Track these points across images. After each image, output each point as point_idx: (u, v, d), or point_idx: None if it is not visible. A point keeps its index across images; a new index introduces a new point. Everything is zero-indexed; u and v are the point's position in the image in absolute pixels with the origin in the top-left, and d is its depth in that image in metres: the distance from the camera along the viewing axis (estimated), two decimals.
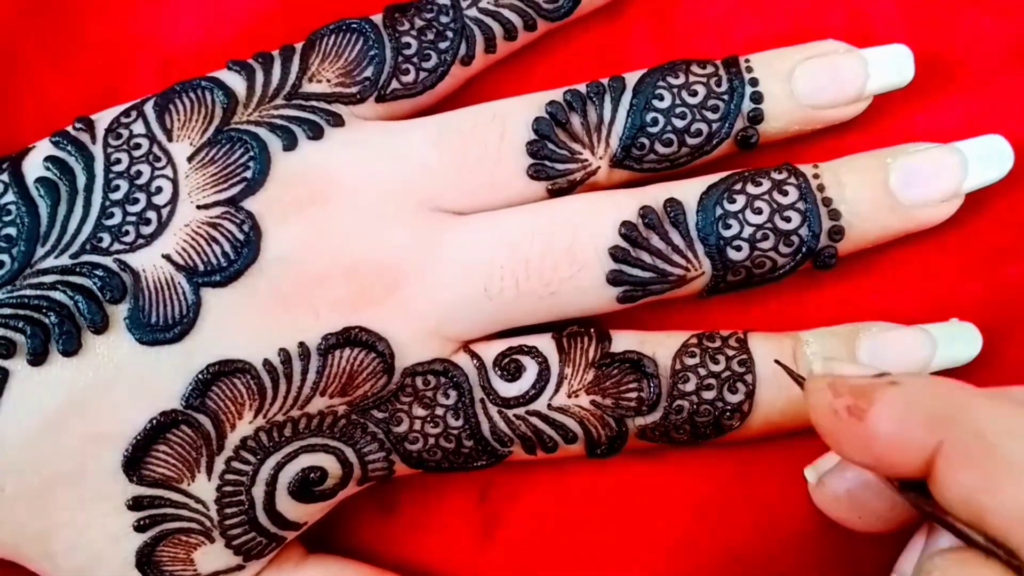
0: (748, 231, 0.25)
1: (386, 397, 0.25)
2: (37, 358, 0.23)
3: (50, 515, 0.24)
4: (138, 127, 0.25)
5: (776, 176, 0.25)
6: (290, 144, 0.25)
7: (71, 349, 0.23)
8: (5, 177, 0.25)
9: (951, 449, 0.18)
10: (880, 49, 0.26)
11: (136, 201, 0.24)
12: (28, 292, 0.24)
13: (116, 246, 0.24)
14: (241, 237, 0.24)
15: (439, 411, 0.25)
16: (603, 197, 0.26)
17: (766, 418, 0.25)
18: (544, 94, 0.26)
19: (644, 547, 0.27)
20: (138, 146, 0.25)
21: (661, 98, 0.26)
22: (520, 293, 0.25)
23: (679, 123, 0.26)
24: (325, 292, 0.24)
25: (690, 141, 0.26)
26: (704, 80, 0.26)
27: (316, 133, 0.25)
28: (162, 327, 0.24)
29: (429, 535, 0.28)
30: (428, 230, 0.25)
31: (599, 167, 0.26)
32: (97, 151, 0.25)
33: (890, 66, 0.26)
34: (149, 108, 0.26)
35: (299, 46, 0.27)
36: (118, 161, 0.25)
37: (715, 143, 0.26)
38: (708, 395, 0.25)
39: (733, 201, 0.25)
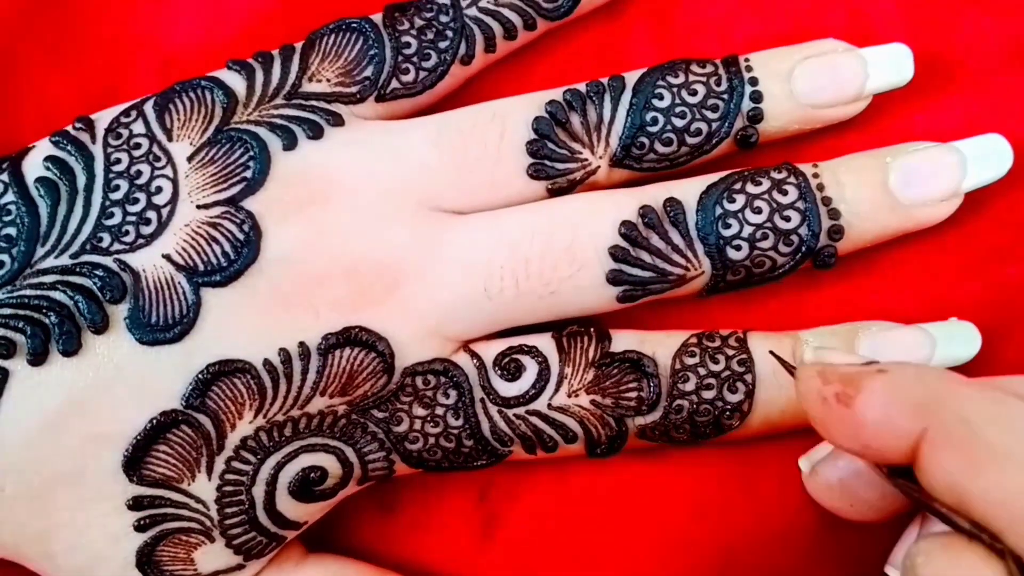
0: (748, 230, 0.25)
1: (386, 397, 0.25)
2: (37, 358, 0.23)
3: (50, 515, 0.24)
4: (138, 127, 0.25)
5: (776, 175, 0.25)
6: (290, 144, 0.25)
7: (71, 349, 0.23)
8: (5, 177, 0.25)
9: (935, 435, 0.18)
10: (880, 48, 0.26)
11: (136, 201, 0.24)
12: (28, 292, 0.24)
13: (116, 246, 0.24)
14: (241, 237, 0.24)
15: (439, 411, 0.25)
16: (603, 196, 0.26)
17: (766, 417, 0.25)
18: (544, 93, 0.26)
19: (644, 546, 0.27)
20: (138, 146, 0.25)
21: (661, 97, 0.26)
22: (520, 293, 0.25)
23: (679, 122, 0.26)
24: (325, 292, 0.24)
25: (690, 140, 0.26)
26: (704, 79, 0.26)
27: (316, 133, 0.25)
28: (162, 327, 0.24)
29: (429, 535, 0.28)
30: (428, 230, 0.25)
31: (599, 166, 0.26)
32: (97, 151, 0.25)
33: (890, 65, 0.26)
34: (149, 108, 0.26)
35: (299, 46, 0.27)
36: (118, 161, 0.25)
37: (715, 142, 0.26)
38: (708, 394, 0.25)
39: (733, 200, 0.25)
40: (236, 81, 0.26)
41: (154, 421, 0.24)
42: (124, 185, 0.25)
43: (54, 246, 0.24)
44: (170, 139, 0.25)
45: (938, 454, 0.18)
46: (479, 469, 0.26)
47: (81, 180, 0.25)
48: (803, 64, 0.26)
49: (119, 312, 0.24)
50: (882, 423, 0.19)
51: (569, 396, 0.25)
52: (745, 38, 0.29)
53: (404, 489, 0.28)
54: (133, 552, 0.24)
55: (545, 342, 0.25)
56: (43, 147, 0.25)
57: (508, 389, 0.25)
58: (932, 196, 0.26)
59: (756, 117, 0.26)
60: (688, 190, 0.25)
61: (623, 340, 0.26)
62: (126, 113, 0.26)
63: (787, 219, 0.25)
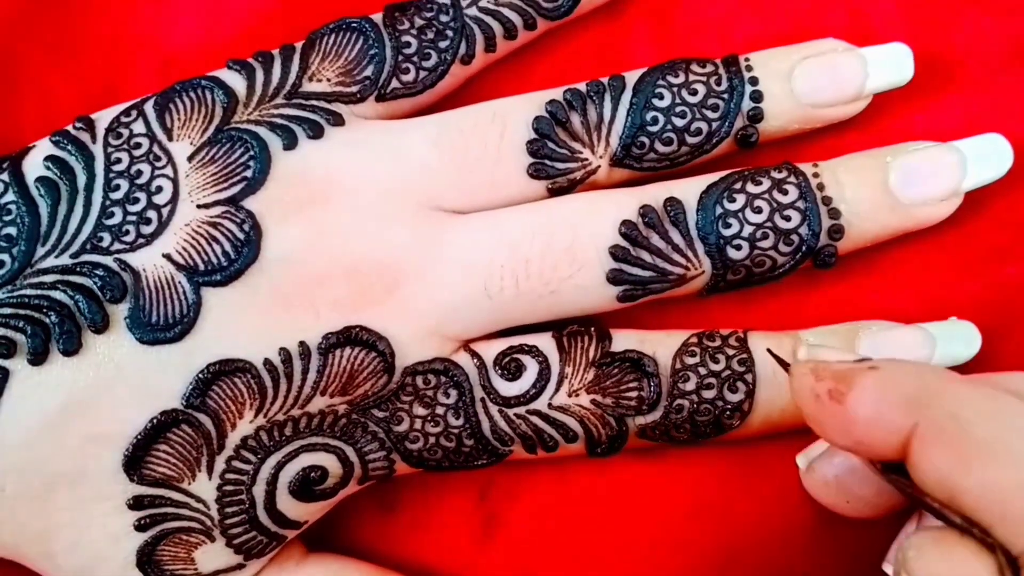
0: (748, 230, 0.25)
1: (386, 396, 0.25)
2: (37, 358, 0.23)
3: (50, 515, 0.24)
4: (138, 126, 0.25)
5: (776, 175, 0.25)
6: (290, 143, 0.25)
7: (71, 349, 0.23)
8: (5, 176, 0.25)
9: (925, 431, 0.19)
10: (879, 48, 0.26)
11: (136, 200, 0.24)
12: (28, 292, 0.24)
13: (116, 245, 0.24)
14: (241, 236, 0.24)
15: (439, 410, 0.25)
16: (603, 196, 0.26)
17: (766, 417, 0.25)
18: (544, 93, 0.26)
19: (644, 546, 0.27)
20: (138, 145, 0.25)
21: (661, 97, 0.26)
22: (520, 292, 0.25)
23: (679, 122, 0.26)
24: (325, 291, 0.24)
25: (690, 140, 0.26)
26: (704, 79, 0.26)
27: (316, 132, 0.25)
28: (163, 326, 0.24)
29: (429, 534, 0.28)
30: (428, 229, 0.25)
31: (599, 166, 0.26)
32: (97, 150, 0.25)
33: (890, 65, 0.26)
34: (149, 107, 0.26)
35: (299, 45, 0.27)
36: (118, 160, 0.25)
37: (715, 142, 0.26)
38: (708, 394, 0.25)
39: (733, 200, 0.25)
40: (236, 81, 0.26)
41: (154, 420, 0.24)
42: (124, 185, 0.25)
43: (54, 246, 0.24)
44: (170, 139, 0.25)
45: (928, 449, 0.18)
46: (479, 469, 0.26)
47: (81, 180, 0.25)
48: (803, 64, 0.26)
49: (119, 312, 0.24)
50: (873, 419, 0.19)
51: (570, 396, 0.25)
52: (745, 38, 0.29)
53: (404, 489, 0.28)
54: (133, 552, 0.24)
55: (545, 342, 0.25)
56: (43, 147, 0.25)
57: (508, 388, 0.25)
58: (932, 196, 0.26)
59: (756, 117, 0.26)
60: (688, 190, 0.25)
61: (623, 340, 0.26)
62: (126, 113, 0.26)
63: (787, 219, 0.25)
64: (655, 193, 0.25)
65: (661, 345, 0.25)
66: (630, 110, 0.26)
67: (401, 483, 0.27)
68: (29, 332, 0.23)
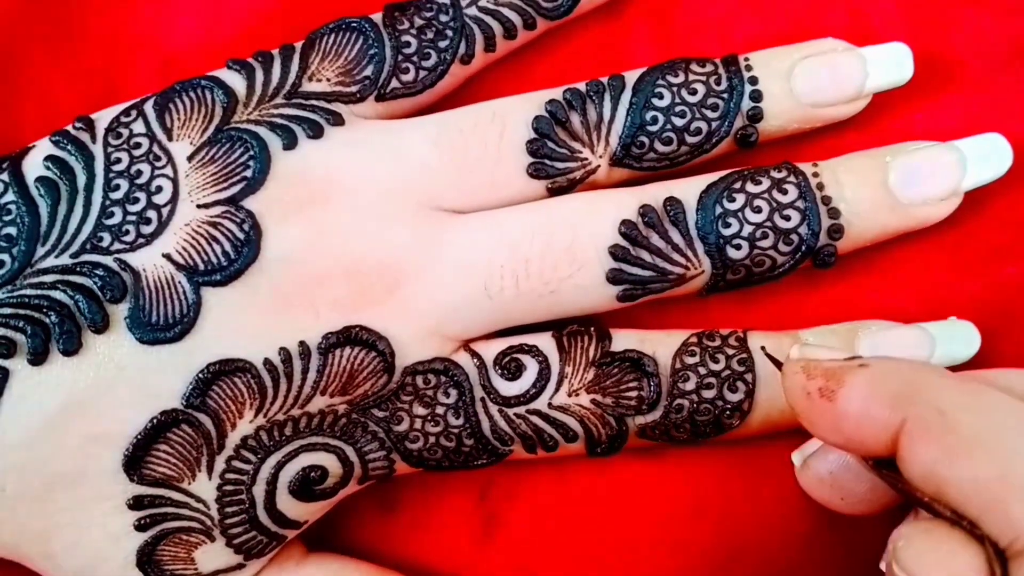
0: (748, 229, 0.25)
1: (386, 396, 0.25)
2: (37, 358, 0.23)
3: (51, 515, 0.24)
4: (138, 126, 0.25)
5: (775, 175, 0.25)
6: (290, 143, 0.25)
7: (71, 349, 0.23)
8: (5, 176, 0.25)
9: (913, 426, 0.19)
10: (879, 48, 0.26)
11: (136, 200, 0.24)
12: (28, 292, 0.24)
13: (116, 245, 0.24)
14: (241, 236, 0.24)
15: (439, 410, 0.25)
16: (603, 196, 0.26)
17: (766, 417, 0.25)
18: (544, 93, 0.26)
19: (644, 546, 0.27)
20: (138, 145, 0.25)
21: (661, 97, 0.26)
22: (520, 292, 0.25)
23: (679, 122, 0.26)
24: (325, 291, 0.24)
25: (690, 140, 0.26)
26: (703, 79, 0.26)
27: (316, 132, 0.25)
28: (162, 326, 0.24)
29: (429, 534, 0.28)
30: (428, 229, 0.25)
31: (599, 166, 0.26)
32: (97, 150, 0.25)
33: (889, 64, 0.26)
34: (149, 107, 0.26)
35: (299, 45, 0.27)
36: (118, 160, 0.25)
37: (715, 142, 0.26)
38: (708, 394, 0.25)
39: (733, 200, 0.25)
40: (236, 81, 0.26)
41: (154, 420, 0.24)
42: (124, 184, 0.25)
43: (54, 246, 0.24)
44: (170, 138, 0.25)
45: (916, 444, 0.19)
46: (479, 468, 0.26)
47: (81, 180, 0.25)
48: (803, 63, 0.26)
49: (119, 311, 0.24)
50: (862, 416, 0.20)
51: (569, 395, 0.25)
52: (745, 38, 0.29)
53: (404, 488, 0.28)
54: (133, 551, 0.24)
55: (545, 341, 0.25)
56: (43, 147, 0.25)
57: (508, 388, 0.25)
58: (932, 195, 0.26)
59: (756, 116, 0.26)
60: (688, 189, 0.25)
61: (623, 339, 0.26)
62: (126, 113, 0.26)
63: (787, 218, 0.25)
64: (655, 193, 0.25)
65: (661, 345, 0.25)
66: (630, 110, 0.26)
67: (401, 483, 0.27)
68: (29, 332, 0.23)
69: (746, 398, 0.25)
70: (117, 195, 0.25)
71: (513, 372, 0.25)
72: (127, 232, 0.24)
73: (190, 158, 0.25)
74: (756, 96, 0.26)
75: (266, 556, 0.25)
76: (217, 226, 0.24)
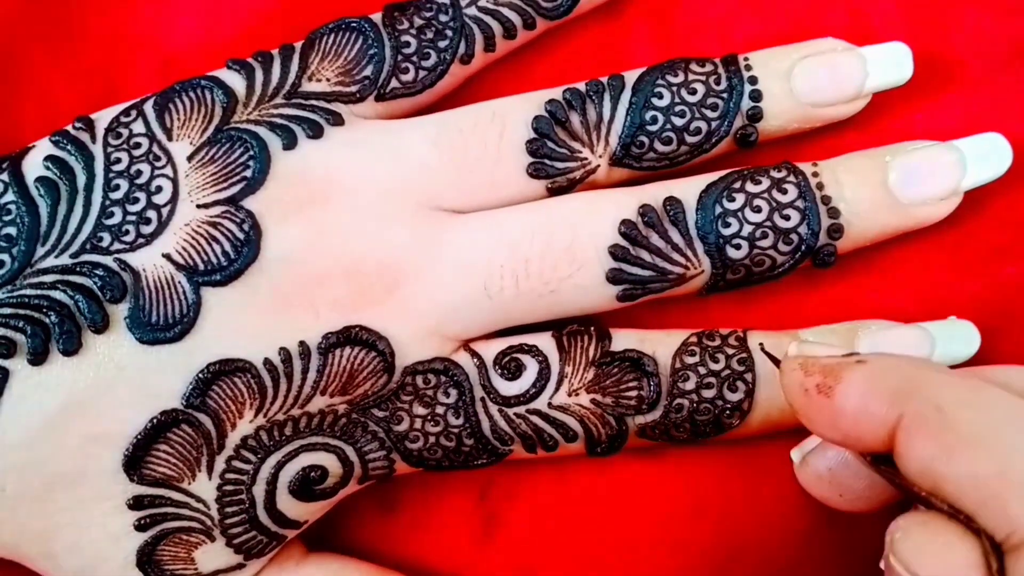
0: (747, 229, 0.25)
1: (386, 396, 0.25)
2: (37, 358, 0.23)
3: (51, 515, 0.24)
4: (138, 126, 0.25)
5: (775, 174, 0.25)
6: (290, 143, 0.25)
7: (71, 349, 0.23)
8: (5, 176, 0.25)
9: (910, 421, 0.19)
10: (879, 47, 0.26)
11: (136, 200, 0.25)
12: (28, 292, 0.24)
13: (116, 245, 0.24)
14: (241, 236, 0.24)
15: (439, 410, 0.25)
16: (602, 196, 0.26)
17: (766, 416, 0.25)
18: (543, 93, 0.26)
19: (644, 545, 0.27)
20: (138, 145, 0.25)
21: (660, 96, 0.26)
22: (520, 292, 0.25)
23: (678, 121, 0.26)
24: (325, 291, 0.24)
25: (689, 139, 0.26)
26: (703, 78, 0.26)
27: (316, 132, 0.25)
28: (162, 326, 0.24)
29: (429, 534, 0.28)
30: (428, 229, 0.25)
31: (598, 165, 0.26)
32: (97, 150, 0.25)
33: (889, 64, 0.26)
34: (149, 107, 0.26)
35: (299, 45, 0.27)
36: (118, 160, 0.25)
37: (714, 141, 0.26)
38: (708, 393, 0.25)
39: (732, 199, 0.25)
40: (236, 81, 0.26)
41: (154, 420, 0.24)
42: (124, 185, 0.25)
43: (54, 246, 0.24)
44: (170, 138, 0.25)
45: (913, 440, 0.19)
46: (479, 468, 0.26)
47: (81, 180, 0.25)
48: (802, 63, 0.26)
49: (119, 312, 0.24)
50: (860, 411, 0.20)
51: (569, 395, 0.25)
52: (745, 38, 0.29)
53: (404, 488, 0.28)
54: (134, 551, 0.24)
55: (545, 341, 0.25)
56: (43, 147, 0.25)
57: (508, 388, 0.25)
58: (931, 195, 0.26)
59: (755, 116, 0.26)
60: (688, 189, 0.25)
61: (623, 339, 0.26)
62: (126, 113, 0.26)
63: (787, 218, 0.25)
64: (654, 192, 0.25)
65: (661, 344, 0.25)
66: (629, 109, 0.26)
67: (401, 483, 0.27)
68: (29, 332, 0.23)
69: (746, 398, 0.25)
70: (117, 195, 0.25)
71: (513, 372, 0.25)
72: (127, 232, 0.24)
73: (190, 158, 0.25)
74: (756, 96, 0.26)
75: (266, 556, 0.25)
76: (217, 226, 0.24)
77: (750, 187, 0.25)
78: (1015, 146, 0.26)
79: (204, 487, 0.24)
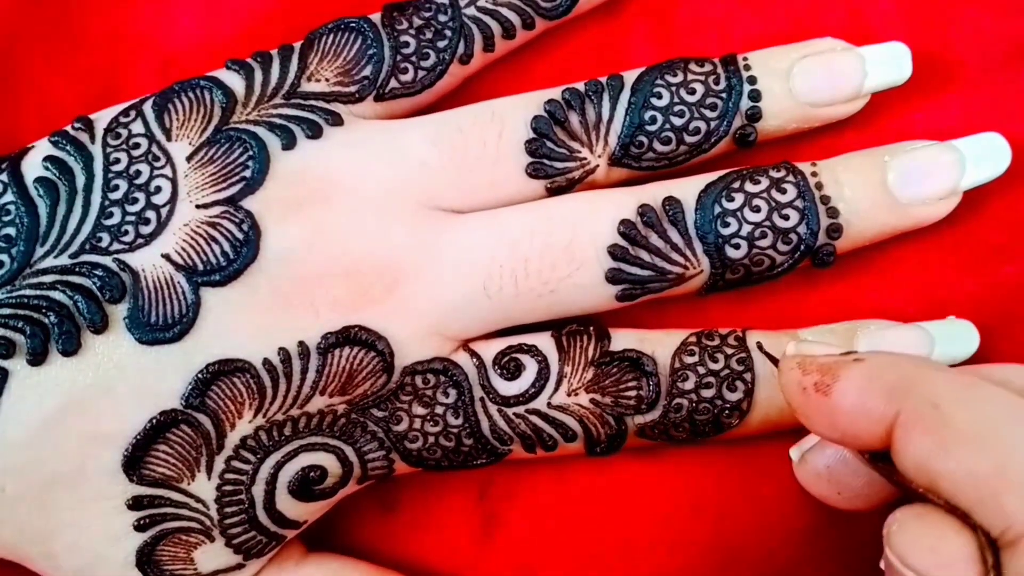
0: (747, 229, 0.25)
1: (386, 396, 0.25)
2: (37, 358, 0.23)
3: (50, 515, 0.24)
4: (137, 127, 0.25)
5: (774, 174, 0.25)
6: (289, 143, 0.25)
7: (71, 349, 0.23)
8: (4, 177, 0.25)
9: (907, 418, 0.19)
10: (878, 47, 0.26)
11: (135, 201, 0.25)
12: (27, 292, 0.24)
13: (115, 246, 0.24)
14: (240, 236, 0.24)
15: (439, 410, 0.25)
16: (602, 195, 0.26)
17: (765, 416, 0.25)
18: (543, 93, 0.26)
19: (643, 545, 0.27)
20: (137, 146, 0.25)
21: (659, 96, 0.26)
22: (519, 292, 0.25)
23: (677, 121, 0.26)
24: (325, 291, 0.24)
25: (688, 139, 0.26)
26: (702, 78, 0.26)
27: (315, 132, 0.25)
28: (162, 327, 0.24)
29: (428, 533, 0.28)
30: (427, 229, 0.25)
31: (598, 165, 0.26)
32: (96, 151, 0.25)
33: (888, 64, 0.26)
34: (148, 108, 0.26)
35: (298, 45, 0.27)
36: (117, 161, 0.25)
37: (713, 141, 0.26)
38: (707, 393, 0.25)
39: (731, 199, 0.25)
40: (235, 81, 0.26)
41: (154, 421, 0.24)
42: (123, 185, 0.25)
43: (53, 246, 0.24)
44: (169, 139, 0.25)
45: (910, 437, 0.19)
46: (479, 468, 0.26)
47: (80, 180, 0.25)
48: (801, 63, 0.26)
49: (118, 312, 0.24)
50: (857, 409, 0.20)
51: (569, 395, 0.25)
52: (744, 37, 0.29)
53: (404, 488, 0.28)
54: (133, 552, 0.24)
55: (545, 341, 0.25)
56: (42, 147, 0.25)
57: (508, 388, 0.25)
58: (930, 194, 0.26)
59: (755, 116, 0.26)
60: (687, 189, 0.25)
61: (622, 339, 0.26)
62: (125, 113, 0.26)
63: (786, 217, 0.25)
64: (654, 192, 0.25)
65: (660, 344, 0.26)
66: (628, 109, 0.26)
67: (401, 483, 0.27)
68: (28, 332, 0.23)
69: (745, 397, 0.25)
70: (116, 195, 0.25)
71: (512, 372, 0.25)
72: (126, 232, 0.24)
73: (189, 158, 0.25)
74: (755, 96, 0.26)
75: (265, 556, 0.25)
76: (216, 226, 0.24)
77: (749, 187, 0.25)
78: (1014, 146, 0.26)
79: (203, 487, 0.24)
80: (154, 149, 0.25)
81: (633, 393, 0.25)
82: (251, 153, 0.25)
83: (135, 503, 0.24)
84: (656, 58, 0.27)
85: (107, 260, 0.24)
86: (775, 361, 0.22)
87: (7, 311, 0.23)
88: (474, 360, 0.25)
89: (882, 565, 0.22)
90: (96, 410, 0.23)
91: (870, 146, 0.26)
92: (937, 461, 0.18)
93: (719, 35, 0.29)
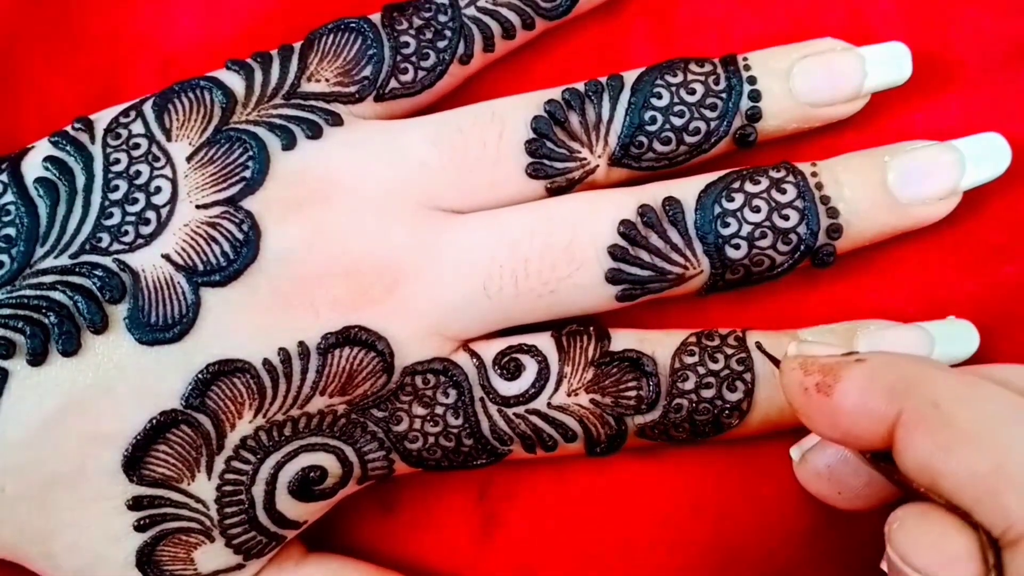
0: (746, 229, 0.25)
1: (386, 396, 0.25)
2: (37, 358, 0.23)
3: (50, 515, 0.24)
4: (137, 127, 0.25)
5: (774, 174, 0.25)
6: (289, 143, 0.25)
7: (71, 349, 0.23)
8: (4, 177, 0.25)
9: (908, 418, 0.19)
10: (878, 47, 0.26)
11: (135, 201, 0.25)
12: (28, 292, 0.24)
13: (115, 246, 0.24)
14: (240, 236, 0.24)
15: (439, 410, 0.25)
16: (602, 196, 0.26)
17: (765, 416, 0.25)
18: (543, 93, 0.26)
19: (643, 545, 0.27)
20: (137, 146, 0.25)
21: (659, 96, 0.26)
22: (519, 292, 0.25)
23: (677, 121, 0.26)
24: (325, 291, 0.24)
25: (688, 139, 0.26)
26: (702, 78, 0.26)
27: (315, 132, 0.25)
28: (162, 327, 0.24)
29: (428, 534, 0.28)
30: (427, 229, 0.25)
31: (597, 166, 0.26)
32: (96, 151, 0.25)
33: (888, 64, 0.26)
34: (148, 108, 0.26)
35: (298, 45, 0.27)
36: (117, 161, 0.25)
37: (713, 141, 0.26)
38: (707, 393, 0.25)
39: (731, 199, 0.25)
40: (235, 81, 0.26)
41: (154, 421, 0.24)
42: (123, 185, 0.25)
43: (53, 246, 0.24)
44: (169, 139, 0.25)
45: (910, 436, 0.19)
46: (479, 468, 0.26)
47: (80, 180, 0.25)
48: (801, 63, 0.26)
49: (118, 312, 0.24)
50: (859, 409, 0.20)
51: (569, 395, 0.25)
52: (744, 38, 0.29)
53: (404, 488, 0.28)
54: (133, 552, 0.24)
55: (545, 341, 0.25)
56: (42, 147, 0.25)
57: (508, 388, 0.25)
58: (930, 195, 0.26)
59: (755, 116, 0.26)
60: (687, 189, 0.25)
61: (622, 339, 0.26)
62: (125, 113, 0.26)
63: (786, 218, 0.25)
64: (654, 192, 0.25)
65: (660, 344, 0.26)
66: (628, 110, 0.26)
67: (401, 483, 0.27)
68: (28, 333, 0.23)
69: (745, 397, 0.25)
70: (116, 196, 0.25)
71: (512, 372, 0.25)
72: (126, 233, 0.24)
73: (189, 159, 0.25)
74: (755, 96, 0.26)
75: (265, 556, 0.25)
76: (216, 226, 0.24)
77: (749, 187, 0.25)
78: (1014, 146, 0.26)
79: (203, 487, 0.24)
80: (154, 149, 0.25)
81: (633, 393, 0.25)
82: (251, 153, 0.25)
83: (135, 503, 0.24)
84: (656, 58, 0.27)
85: (107, 260, 0.24)
86: (775, 361, 0.22)
87: (7, 311, 0.23)
88: (474, 360, 0.25)
89: (883, 565, 0.22)
90: (96, 410, 0.23)
91: (870, 146, 0.26)
92: (938, 461, 0.18)
93: (719, 35, 0.29)
